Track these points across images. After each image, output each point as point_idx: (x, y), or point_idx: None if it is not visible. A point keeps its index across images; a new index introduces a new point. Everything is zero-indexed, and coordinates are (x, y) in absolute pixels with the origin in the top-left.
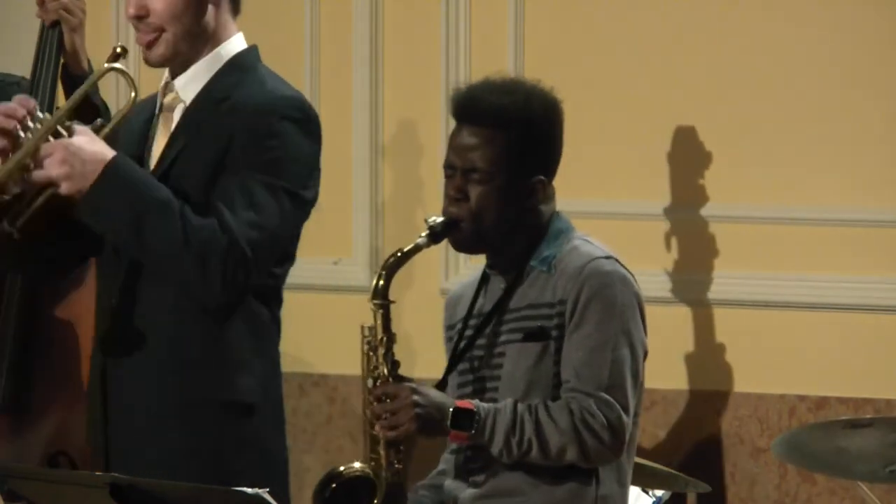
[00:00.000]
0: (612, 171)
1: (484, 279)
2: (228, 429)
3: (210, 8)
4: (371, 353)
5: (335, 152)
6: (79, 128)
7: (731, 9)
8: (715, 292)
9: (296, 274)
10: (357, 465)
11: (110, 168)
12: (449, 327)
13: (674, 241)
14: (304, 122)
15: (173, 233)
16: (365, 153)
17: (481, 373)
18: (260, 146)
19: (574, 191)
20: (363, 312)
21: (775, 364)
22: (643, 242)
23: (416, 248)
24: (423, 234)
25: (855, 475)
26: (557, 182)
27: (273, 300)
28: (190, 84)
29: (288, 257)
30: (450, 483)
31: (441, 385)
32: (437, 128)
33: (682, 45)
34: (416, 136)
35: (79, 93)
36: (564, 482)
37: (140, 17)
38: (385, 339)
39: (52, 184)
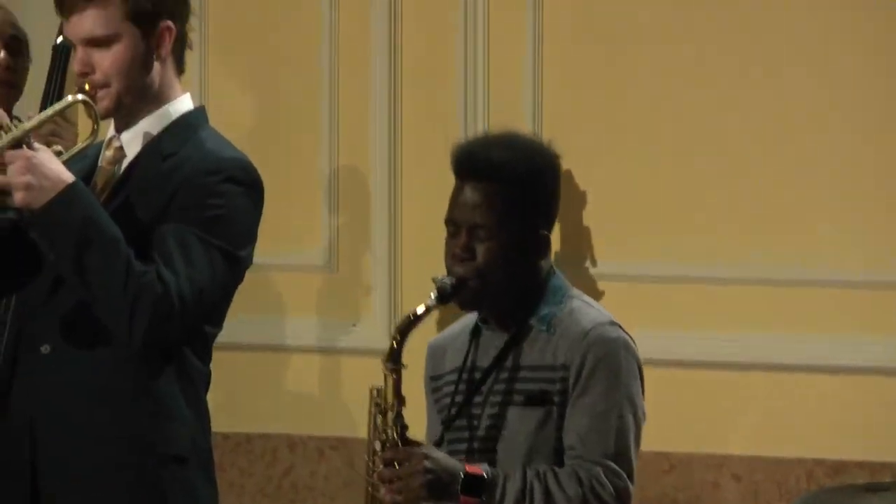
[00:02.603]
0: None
1: (475, 332)
2: (161, 479)
3: (155, 65)
4: (380, 416)
5: (356, 223)
6: (41, 146)
7: (735, 60)
8: (730, 354)
9: (315, 336)
10: None
11: (70, 189)
12: (434, 378)
13: (688, 302)
14: (248, 185)
15: (116, 269)
16: (384, 221)
17: (477, 432)
18: (201, 204)
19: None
20: (382, 374)
21: (792, 427)
22: (659, 303)
23: (427, 310)
24: (433, 295)
25: None
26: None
27: (205, 354)
28: (135, 140)
29: (220, 317)
30: None
31: (438, 443)
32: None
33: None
34: (433, 197)
35: (46, 114)
36: None
37: (85, 74)
38: (395, 403)
39: (7, 190)
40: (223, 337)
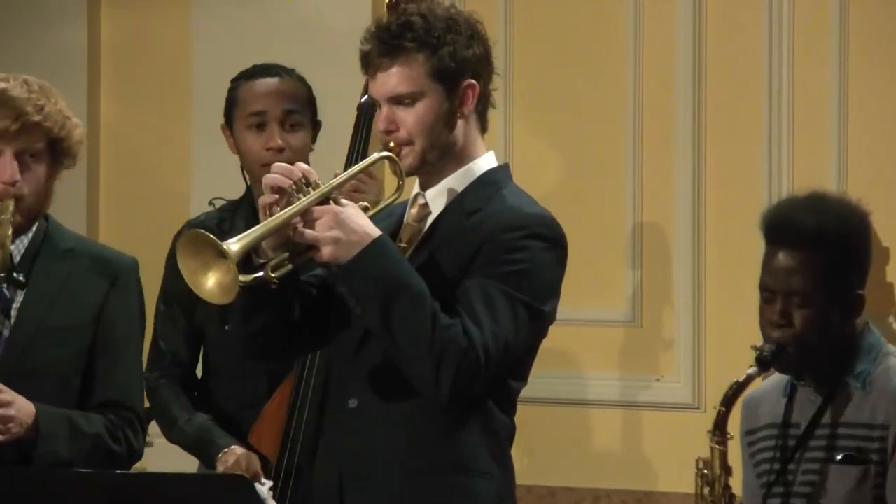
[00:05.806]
0: None
1: (791, 389)
2: None
3: (459, 123)
4: (707, 487)
5: (659, 277)
6: (348, 202)
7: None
8: None
9: (618, 391)
10: None
11: (377, 244)
12: (749, 432)
13: None
14: (552, 241)
15: (422, 324)
16: (687, 275)
17: (793, 488)
18: (505, 259)
19: None
20: (685, 429)
21: None
22: None
23: (749, 379)
24: (753, 364)
25: None
26: None
27: (509, 408)
28: (440, 197)
29: (524, 371)
30: None
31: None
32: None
33: None
34: (737, 252)
35: (352, 171)
36: None
37: (390, 132)
38: (722, 474)
39: (315, 246)
40: (527, 391)
